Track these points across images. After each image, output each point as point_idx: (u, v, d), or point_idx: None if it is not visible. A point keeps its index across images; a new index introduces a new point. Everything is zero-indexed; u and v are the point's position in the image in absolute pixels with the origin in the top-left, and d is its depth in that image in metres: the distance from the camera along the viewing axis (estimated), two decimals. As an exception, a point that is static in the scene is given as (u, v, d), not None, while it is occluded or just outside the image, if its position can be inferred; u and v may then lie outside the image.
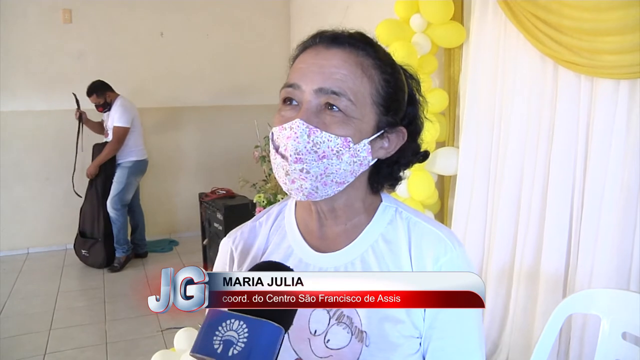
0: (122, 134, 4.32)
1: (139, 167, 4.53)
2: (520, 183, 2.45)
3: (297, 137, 0.78)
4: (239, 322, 0.59)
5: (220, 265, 0.99)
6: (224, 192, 4.13)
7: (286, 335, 0.63)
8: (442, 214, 3.03)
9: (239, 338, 0.57)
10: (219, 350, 0.56)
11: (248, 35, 5.39)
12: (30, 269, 4.51)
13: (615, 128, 2.02)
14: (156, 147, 4.97)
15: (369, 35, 0.87)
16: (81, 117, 4.44)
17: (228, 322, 0.59)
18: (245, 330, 0.58)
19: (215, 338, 0.57)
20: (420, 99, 0.92)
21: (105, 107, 4.38)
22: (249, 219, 1.01)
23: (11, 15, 4.56)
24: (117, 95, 4.40)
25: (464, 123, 2.70)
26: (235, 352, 0.56)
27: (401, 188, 2.71)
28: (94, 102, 4.37)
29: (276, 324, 0.59)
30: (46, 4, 4.68)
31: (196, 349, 0.58)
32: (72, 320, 3.50)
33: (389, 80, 0.84)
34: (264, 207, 3.31)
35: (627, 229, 2.00)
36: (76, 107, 4.42)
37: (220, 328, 0.58)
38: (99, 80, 4.37)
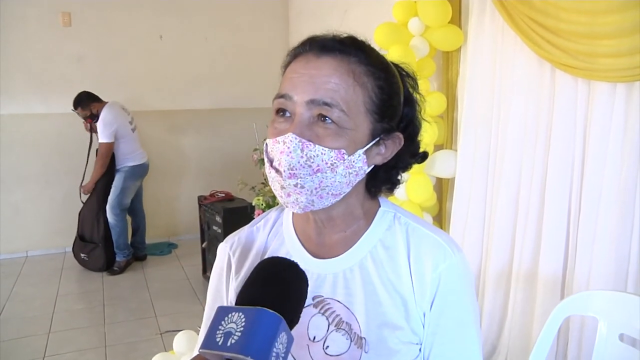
0: (104, 150, 4.31)
1: (137, 171, 4.53)
2: (518, 186, 2.46)
3: (290, 152, 0.76)
4: (238, 313, 0.60)
5: (218, 270, 0.98)
6: (223, 195, 4.13)
7: None
8: (441, 217, 3.03)
9: (237, 328, 0.59)
10: (219, 343, 0.58)
11: (247, 38, 5.41)
12: (29, 272, 4.50)
13: (612, 131, 2.02)
14: (155, 150, 4.97)
15: (360, 38, 0.84)
16: (92, 128, 4.43)
17: (229, 315, 0.60)
18: (243, 320, 0.59)
19: (218, 332, 0.59)
20: (418, 97, 0.90)
21: (93, 117, 4.37)
22: (248, 222, 1.00)
23: (11, 19, 4.56)
24: (104, 105, 4.34)
25: (462, 126, 2.71)
26: (233, 341, 0.58)
27: (399, 191, 2.72)
28: (80, 114, 4.38)
29: (273, 312, 0.60)
30: (46, 7, 4.68)
31: (202, 345, 0.60)
32: (71, 323, 3.49)
33: (382, 87, 0.82)
34: (263, 210, 3.31)
35: (624, 231, 2.01)
36: (83, 120, 4.45)
37: (222, 322, 0.60)
38: (84, 92, 4.37)
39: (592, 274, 2.11)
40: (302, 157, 0.77)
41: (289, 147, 0.77)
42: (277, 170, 0.79)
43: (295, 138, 0.76)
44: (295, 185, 0.78)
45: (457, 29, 2.76)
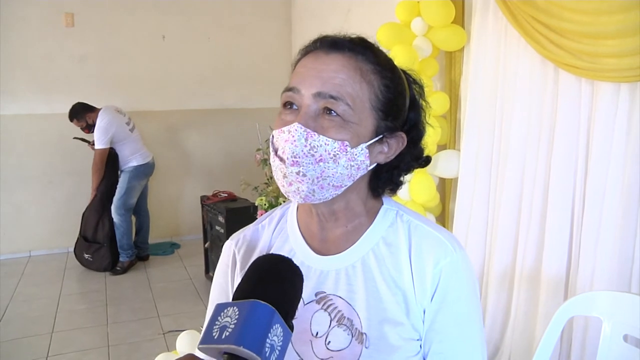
0: (98, 158, 4.33)
1: (141, 171, 4.53)
2: (522, 186, 2.46)
3: (294, 141, 0.79)
4: (233, 308, 0.62)
5: (223, 267, 0.99)
6: (226, 195, 4.13)
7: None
8: (444, 217, 3.03)
9: (232, 321, 0.60)
10: (215, 337, 0.59)
11: (249, 39, 5.41)
12: (32, 272, 4.52)
13: (616, 131, 2.02)
14: (158, 150, 4.97)
15: (370, 40, 0.87)
16: (93, 144, 4.43)
17: (225, 310, 0.62)
18: (237, 313, 0.61)
19: (214, 327, 0.60)
20: (423, 104, 0.92)
21: (89, 127, 4.40)
22: (251, 222, 1.01)
23: (13, 19, 4.57)
24: (98, 112, 4.33)
25: (465, 126, 2.71)
26: (227, 333, 0.59)
27: (402, 191, 2.72)
28: (77, 125, 4.39)
29: (265, 303, 0.61)
30: (48, 8, 4.69)
31: (200, 341, 0.61)
32: (74, 323, 3.50)
33: (388, 86, 0.84)
34: (266, 210, 3.31)
35: (627, 231, 2.00)
36: (86, 142, 4.49)
37: (219, 317, 0.61)
38: (78, 103, 4.38)
39: (596, 274, 2.10)
40: (305, 146, 0.79)
41: (293, 136, 0.79)
42: (280, 159, 0.81)
43: (300, 127, 0.79)
44: (298, 173, 0.80)
45: (460, 29, 2.76)
